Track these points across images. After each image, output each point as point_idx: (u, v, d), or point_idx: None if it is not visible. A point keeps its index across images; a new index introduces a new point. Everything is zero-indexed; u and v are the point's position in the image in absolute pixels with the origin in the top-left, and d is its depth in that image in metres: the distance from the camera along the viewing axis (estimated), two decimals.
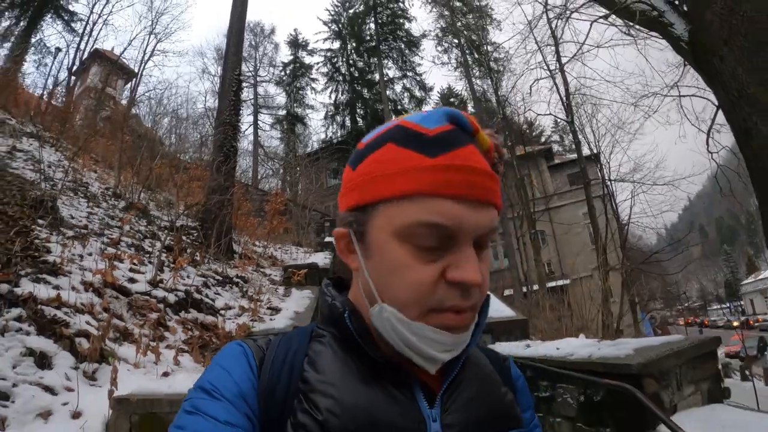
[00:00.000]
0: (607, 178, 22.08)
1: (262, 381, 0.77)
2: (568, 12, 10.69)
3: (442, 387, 0.80)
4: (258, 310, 7.05)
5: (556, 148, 37.21)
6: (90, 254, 6.36)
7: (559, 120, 28.83)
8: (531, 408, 0.96)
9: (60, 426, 3.05)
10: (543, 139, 38.60)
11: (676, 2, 5.98)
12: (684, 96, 10.58)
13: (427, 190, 0.69)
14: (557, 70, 18.25)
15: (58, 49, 29.86)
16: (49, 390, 3.36)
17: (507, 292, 23.64)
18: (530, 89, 39.14)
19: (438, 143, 0.71)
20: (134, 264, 6.76)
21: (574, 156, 29.43)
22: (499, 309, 8.33)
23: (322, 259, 11.02)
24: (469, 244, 0.72)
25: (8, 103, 16.34)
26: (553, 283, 25.75)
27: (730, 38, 4.87)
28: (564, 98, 19.43)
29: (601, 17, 7.95)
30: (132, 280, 6.11)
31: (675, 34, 5.79)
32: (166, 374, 4.16)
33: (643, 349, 4.06)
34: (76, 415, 3.23)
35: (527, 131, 34.09)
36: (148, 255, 7.55)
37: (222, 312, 6.82)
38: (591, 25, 8.66)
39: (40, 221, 6.73)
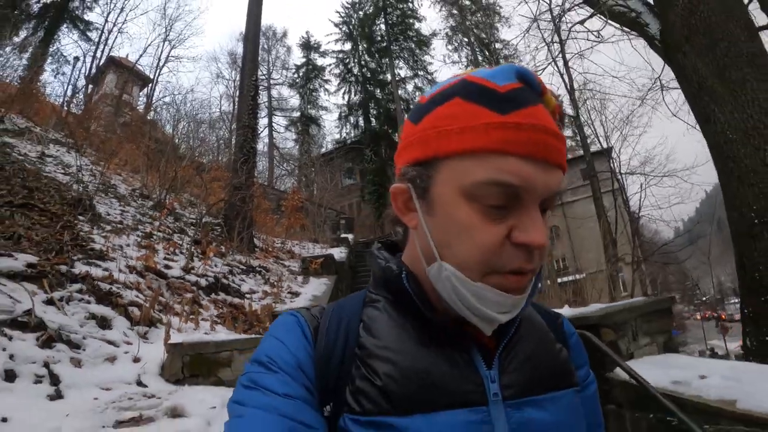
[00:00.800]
0: (617, 171, 22.53)
1: (318, 349, 0.78)
2: (563, 11, 11.35)
3: (498, 347, 0.79)
4: (279, 294, 7.85)
5: (569, 143, 37.62)
6: (128, 245, 7.19)
7: (569, 116, 29.10)
8: (586, 364, 0.96)
9: (124, 367, 3.83)
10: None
11: (651, 3, 6.66)
12: None
13: (498, 148, 0.67)
14: (560, 67, 18.83)
15: (77, 59, 30.70)
16: (112, 343, 4.14)
17: None
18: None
19: (509, 100, 0.69)
20: (168, 254, 7.58)
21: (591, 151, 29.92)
22: None
23: (338, 252, 11.87)
24: (536, 206, 0.71)
25: (31, 111, 17.22)
26: (566, 278, 26.06)
27: (690, 36, 5.54)
28: (569, 94, 19.95)
29: (587, 17, 8.62)
30: (167, 267, 6.92)
31: (650, 34, 6.47)
32: (206, 335, 4.96)
33: (607, 308, 4.77)
34: (136, 359, 4.01)
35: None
36: (179, 247, 8.37)
37: (248, 295, 7.62)
38: (584, 22, 9.30)
39: (81, 218, 7.56)
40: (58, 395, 3.12)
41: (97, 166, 13.08)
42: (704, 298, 53.74)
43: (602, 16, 7.68)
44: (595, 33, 9.13)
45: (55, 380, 3.25)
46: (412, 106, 0.89)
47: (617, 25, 8.03)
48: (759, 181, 4.96)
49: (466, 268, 0.70)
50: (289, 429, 0.67)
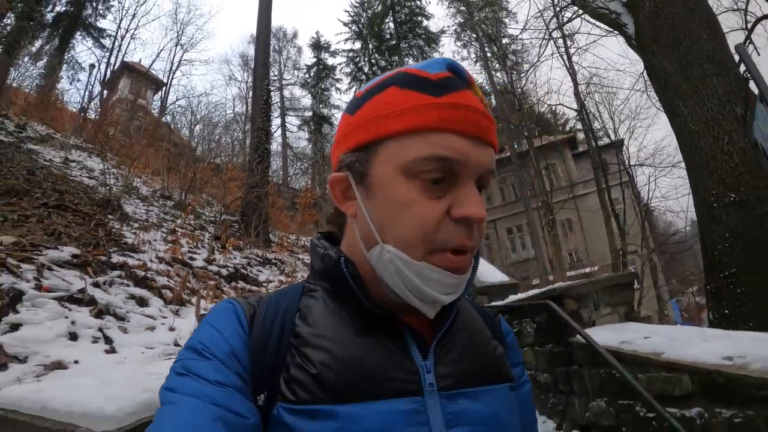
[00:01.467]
0: (627, 163, 22.96)
1: (253, 337, 0.79)
2: (560, 9, 11.98)
3: (434, 338, 0.82)
4: (293, 282, 8.62)
5: (582, 136, 37.66)
6: (155, 240, 7.98)
7: (572, 109, 29.39)
8: (521, 364, 0.99)
9: (163, 334, 4.59)
10: (568, 127, 39.13)
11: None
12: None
13: (434, 125, 0.72)
14: (565, 61, 19.37)
15: (92, 66, 31.65)
16: (150, 317, 4.90)
17: (535, 281, 24.22)
18: (547, 84, 38.85)
19: (441, 85, 0.75)
20: (191, 248, 8.38)
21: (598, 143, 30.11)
22: (494, 275, 9.67)
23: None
24: (473, 182, 0.76)
25: (52, 119, 18.25)
26: (578, 271, 26.52)
27: (657, 37, 6.17)
28: (574, 87, 20.48)
29: (569, 19, 9.28)
30: (192, 258, 7.71)
31: (628, 34, 7.12)
32: None
33: (572, 282, 5.48)
34: (171, 329, 4.77)
35: (552, 121, 34.49)
36: (201, 241, 9.15)
37: (264, 284, 8.38)
38: (566, 24, 9.93)
39: (110, 216, 8.36)
40: (112, 351, 3.88)
41: (119, 169, 13.99)
42: None
43: (586, 17, 8.34)
44: (587, 33, 9.77)
45: (108, 341, 4.01)
46: (351, 101, 0.95)
47: (602, 25, 8.68)
48: (718, 168, 5.52)
49: (409, 246, 0.73)
50: (219, 417, 0.68)
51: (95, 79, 31.84)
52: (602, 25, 8.84)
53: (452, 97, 0.74)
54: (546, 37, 14.31)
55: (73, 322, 3.94)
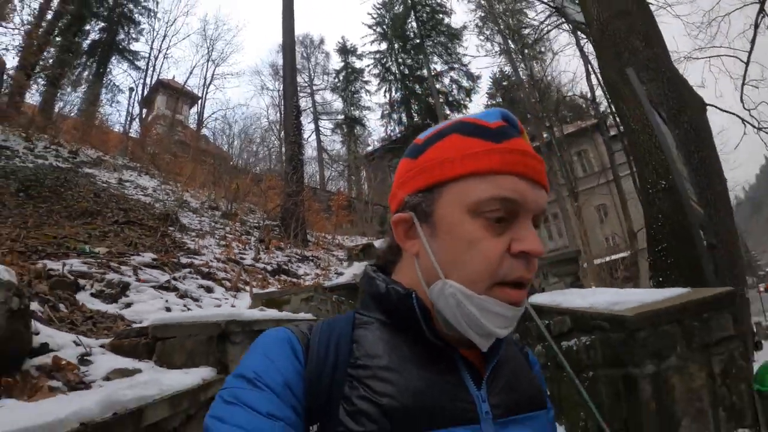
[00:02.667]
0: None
1: (308, 368, 0.80)
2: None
3: (485, 368, 0.87)
4: (327, 274, 10.44)
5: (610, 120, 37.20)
6: (210, 245, 9.86)
7: (584, 98, 29.76)
8: (546, 391, 1.03)
9: (226, 309, 6.42)
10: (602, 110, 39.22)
11: None
12: (713, 57, 12.93)
13: (497, 168, 0.79)
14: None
15: (131, 89, 33.90)
16: (216, 299, 6.77)
17: None
18: (569, 72, 38.74)
19: (500, 133, 0.82)
20: (240, 250, 10.27)
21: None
22: None
23: (379, 242, 14.46)
24: (530, 220, 0.82)
25: (100, 142, 20.37)
26: (616, 256, 26.92)
27: (603, 50, 7.53)
28: (587, 76, 21.52)
29: (553, 28, 10.73)
30: (242, 258, 9.58)
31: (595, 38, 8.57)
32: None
33: None
34: (232, 306, 6.62)
35: (584, 105, 34.75)
36: (248, 244, 11.03)
37: (303, 276, 10.22)
38: (547, 33, 11.38)
39: (171, 228, 10.27)
40: None
41: (168, 185, 16.14)
42: None
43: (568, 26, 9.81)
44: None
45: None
46: (409, 146, 0.99)
47: (582, 35, 10.15)
48: (652, 160, 6.65)
49: (473, 281, 0.79)
50: None
51: (134, 100, 34.07)
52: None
53: (510, 144, 0.82)
54: (555, 25, 15.57)
55: (166, 301, 5.81)
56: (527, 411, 0.88)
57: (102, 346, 3.84)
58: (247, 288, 7.59)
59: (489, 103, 42.00)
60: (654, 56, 7.11)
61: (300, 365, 0.80)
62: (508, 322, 0.81)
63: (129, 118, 33.12)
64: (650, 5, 7.76)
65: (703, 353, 3.75)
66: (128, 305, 5.48)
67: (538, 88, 26.82)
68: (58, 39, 23.76)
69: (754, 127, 10.06)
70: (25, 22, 17.41)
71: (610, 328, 3.98)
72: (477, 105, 40.64)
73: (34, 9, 20.19)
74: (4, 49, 18.17)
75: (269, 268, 9.67)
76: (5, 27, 17.21)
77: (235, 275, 7.91)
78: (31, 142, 15.74)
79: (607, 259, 29.78)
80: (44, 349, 3.25)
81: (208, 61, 39.44)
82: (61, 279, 5.35)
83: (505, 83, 37.96)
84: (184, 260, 7.85)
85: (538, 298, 5.47)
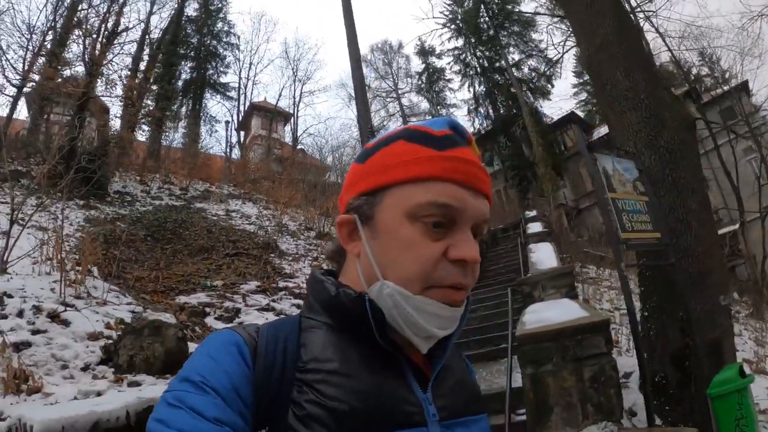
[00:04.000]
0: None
1: (256, 371, 0.81)
2: None
3: (432, 372, 0.91)
4: None
5: (709, 81, 35.83)
6: (304, 267, 12.26)
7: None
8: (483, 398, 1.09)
9: None
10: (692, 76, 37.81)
11: None
12: None
13: (438, 175, 0.83)
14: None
15: (227, 122, 37.81)
16: None
17: None
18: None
19: (444, 141, 0.86)
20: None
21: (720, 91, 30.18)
22: (545, 263, 12.79)
23: None
24: (468, 228, 0.85)
25: (206, 175, 23.09)
26: (722, 231, 25.99)
27: (594, 81, 8.28)
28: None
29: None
30: None
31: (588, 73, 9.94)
32: None
33: (528, 275, 9.03)
34: None
35: (676, 72, 34.05)
36: None
37: None
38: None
39: (272, 255, 12.77)
40: None
41: (269, 209, 18.63)
42: None
43: None
44: None
45: None
46: (359, 150, 1.07)
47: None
48: None
49: (408, 282, 0.82)
50: None
51: (231, 129, 38.00)
52: None
53: (454, 152, 0.85)
54: None
55: (266, 319, 8.09)
56: (470, 414, 0.94)
57: None
58: None
59: (578, 81, 42.76)
60: (633, 85, 7.25)
61: (248, 368, 0.81)
62: (446, 323, 0.85)
63: (229, 147, 36.85)
64: (633, 26, 8.32)
65: (575, 363, 4.87)
66: (240, 323, 7.83)
67: None
68: (154, 87, 27.17)
69: None
70: (124, 78, 20.35)
71: (518, 341, 5.32)
72: (563, 88, 40.46)
73: (128, 64, 23.27)
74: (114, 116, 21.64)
75: None
76: (111, 98, 20.12)
77: None
78: (147, 184, 18.75)
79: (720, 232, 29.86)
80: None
81: (294, 81, 42.56)
82: (194, 309, 7.84)
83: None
84: (281, 284, 10.22)
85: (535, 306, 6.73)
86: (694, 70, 34.07)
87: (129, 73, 22.17)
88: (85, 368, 5.01)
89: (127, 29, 22.00)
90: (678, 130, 6.81)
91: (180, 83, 35.01)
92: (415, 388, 0.86)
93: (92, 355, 5.20)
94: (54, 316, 5.65)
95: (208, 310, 8.04)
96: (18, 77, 18.71)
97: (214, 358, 0.80)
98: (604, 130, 34.45)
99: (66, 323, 5.65)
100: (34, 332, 5.26)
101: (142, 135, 25.52)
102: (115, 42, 20.45)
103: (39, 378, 4.43)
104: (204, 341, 0.86)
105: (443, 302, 0.83)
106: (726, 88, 29.78)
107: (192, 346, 5.72)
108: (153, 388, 4.44)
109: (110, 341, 5.42)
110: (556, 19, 32.95)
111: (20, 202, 8.43)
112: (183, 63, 35.09)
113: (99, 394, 4.31)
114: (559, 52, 31.78)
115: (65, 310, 5.85)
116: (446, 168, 0.84)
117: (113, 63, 19.61)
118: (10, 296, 5.80)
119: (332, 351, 0.84)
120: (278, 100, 40.84)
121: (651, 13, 23.31)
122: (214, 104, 42.05)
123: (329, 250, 1.05)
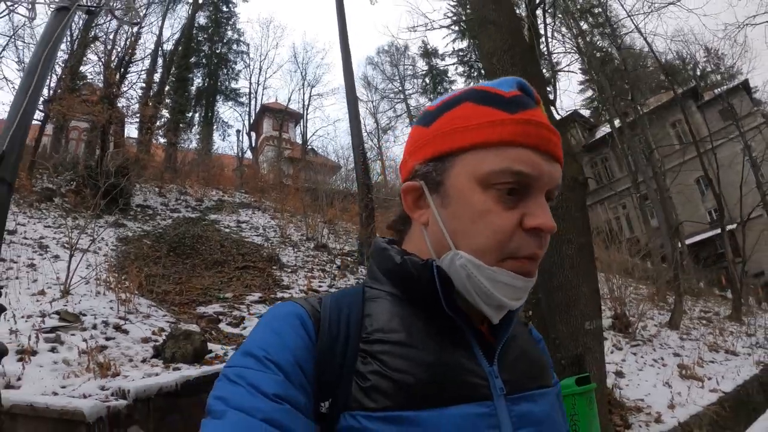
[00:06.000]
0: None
1: (320, 343, 0.85)
2: None
3: (496, 344, 0.93)
4: None
5: (713, 77, 36.49)
6: (300, 278, 15.29)
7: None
8: (552, 367, 1.11)
9: None
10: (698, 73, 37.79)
11: None
12: None
13: (510, 140, 0.83)
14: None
15: (238, 131, 40.81)
16: None
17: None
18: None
19: (515, 103, 0.87)
20: (321, 279, 15.69)
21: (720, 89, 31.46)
22: None
23: None
24: (543, 195, 0.87)
25: (218, 180, 25.23)
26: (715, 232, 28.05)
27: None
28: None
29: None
30: (320, 286, 14.95)
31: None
32: None
33: None
34: None
35: (681, 68, 35.25)
36: (328, 273, 16.31)
37: None
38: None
39: (273, 267, 15.78)
40: None
41: (276, 219, 20.79)
42: None
43: None
44: None
45: None
46: (422, 114, 1.01)
47: None
48: None
49: (482, 253, 0.84)
50: None
51: (242, 135, 40.79)
52: None
53: (525, 114, 0.86)
54: None
55: None
56: (537, 387, 0.95)
57: (234, 349, 9.22)
58: None
59: (583, 78, 43.85)
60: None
61: (310, 341, 0.84)
62: (520, 293, 0.88)
63: (241, 153, 39.58)
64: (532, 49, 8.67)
65: None
66: (244, 328, 10.81)
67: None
68: (167, 101, 30.35)
69: None
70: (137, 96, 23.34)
71: None
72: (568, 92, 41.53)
73: (143, 77, 26.24)
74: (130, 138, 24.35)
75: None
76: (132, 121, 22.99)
77: None
78: (165, 196, 21.09)
79: (710, 234, 32.10)
80: (210, 352, 8.57)
81: (303, 85, 44.53)
82: (211, 318, 10.88)
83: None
84: (279, 295, 13.20)
85: None
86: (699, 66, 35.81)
87: (142, 92, 24.90)
88: (143, 361, 7.61)
89: (142, 59, 25.09)
90: (565, 188, 6.88)
91: (192, 89, 37.48)
92: (481, 360, 0.90)
93: (147, 353, 7.83)
94: (117, 327, 8.54)
95: (221, 318, 11.07)
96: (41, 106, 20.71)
97: (277, 332, 0.85)
98: (605, 129, 36.89)
99: (126, 332, 8.37)
100: (107, 339, 8.01)
101: (157, 141, 27.77)
102: (130, 66, 23.39)
103: (117, 367, 7.24)
104: (266, 314, 0.92)
105: (518, 273, 0.86)
106: (724, 89, 31.28)
107: (211, 346, 8.73)
108: (188, 371, 7.07)
109: (157, 343, 8.08)
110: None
111: (72, 226, 11.32)
112: (195, 71, 37.66)
113: (156, 374, 6.98)
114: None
115: (124, 323, 8.70)
116: (519, 132, 0.85)
117: (128, 91, 22.38)
118: (84, 315, 8.70)
119: (397, 322, 0.89)
120: (288, 103, 43.58)
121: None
122: (225, 110, 44.41)
123: (392, 220, 1.09)
